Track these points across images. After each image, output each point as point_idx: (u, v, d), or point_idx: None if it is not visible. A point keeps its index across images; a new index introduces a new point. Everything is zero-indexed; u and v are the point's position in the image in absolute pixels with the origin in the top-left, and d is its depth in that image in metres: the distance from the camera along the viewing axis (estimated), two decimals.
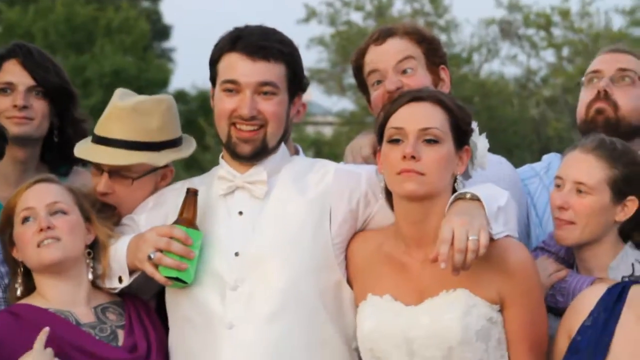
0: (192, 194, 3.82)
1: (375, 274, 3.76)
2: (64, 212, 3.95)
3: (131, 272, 3.89)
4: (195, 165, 22.15)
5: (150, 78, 31.71)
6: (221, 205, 3.89)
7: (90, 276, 4.02)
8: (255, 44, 3.79)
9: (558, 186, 3.97)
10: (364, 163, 4.16)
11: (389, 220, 3.80)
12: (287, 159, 3.98)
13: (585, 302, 3.77)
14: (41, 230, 3.89)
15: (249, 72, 3.78)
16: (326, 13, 31.78)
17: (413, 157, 3.56)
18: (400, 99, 3.73)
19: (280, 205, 3.86)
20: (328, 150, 27.18)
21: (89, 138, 4.19)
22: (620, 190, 3.95)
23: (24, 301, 4.00)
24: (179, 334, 3.89)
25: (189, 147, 4.16)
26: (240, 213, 3.86)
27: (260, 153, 3.84)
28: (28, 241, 3.92)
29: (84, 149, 4.13)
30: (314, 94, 31.55)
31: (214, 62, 3.89)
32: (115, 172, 4.04)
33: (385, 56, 4.24)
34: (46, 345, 3.70)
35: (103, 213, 4.10)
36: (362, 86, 4.40)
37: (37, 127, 4.54)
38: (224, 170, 3.88)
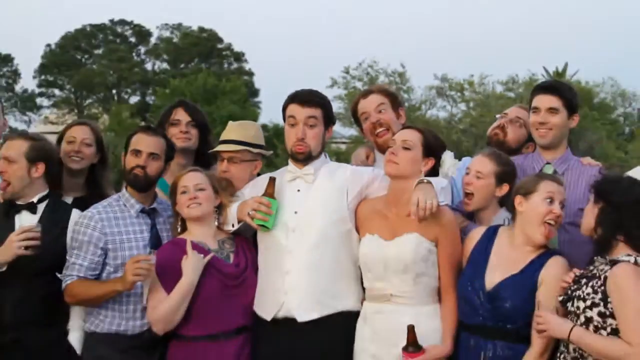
0: (272, 180, 4.79)
1: (370, 222, 4.85)
2: (203, 189, 5.06)
3: (239, 222, 4.97)
4: (272, 165, 21.25)
5: (246, 116, 30.78)
6: (288, 186, 5.00)
7: (216, 223, 5.08)
8: (305, 96, 4.93)
9: (467, 174, 5.04)
10: (361, 164, 5.42)
11: (377, 194, 4.92)
12: (325, 162, 5.05)
13: (475, 236, 4.78)
14: (190, 199, 5.00)
15: (301, 113, 4.90)
16: (342, 82, 42.26)
17: (393, 154, 4.72)
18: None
19: (320, 187, 4.98)
20: (344, 158, 28.87)
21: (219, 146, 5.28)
22: (500, 178, 5.04)
23: (180, 236, 5.05)
24: (262, 256, 5.04)
25: (268, 152, 5.30)
26: (299, 190, 4.98)
27: (308, 158, 4.95)
28: (184, 204, 5.02)
29: (216, 148, 5.36)
30: (335, 126, 37.46)
31: (283, 109, 5.01)
32: (230, 159, 5.29)
33: (369, 104, 5.48)
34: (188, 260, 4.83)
35: (225, 188, 5.12)
36: (357, 122, 5.61)
37: (193, 144, 5.94)
38: (290, 167, 5.02)
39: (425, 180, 4.76)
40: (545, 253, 4.71)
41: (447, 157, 5.09)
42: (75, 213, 5.37)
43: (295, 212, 5.04)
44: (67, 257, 5.24)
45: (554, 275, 4.55)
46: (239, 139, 5.48)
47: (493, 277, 4.67)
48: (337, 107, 36.69)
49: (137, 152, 5.26)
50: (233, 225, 5.15)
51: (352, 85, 42.16)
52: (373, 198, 5.08)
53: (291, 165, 5.17)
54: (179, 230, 5.19)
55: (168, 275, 4.96)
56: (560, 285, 4.48)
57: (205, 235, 5.16)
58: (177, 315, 4.94)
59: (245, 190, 5.30)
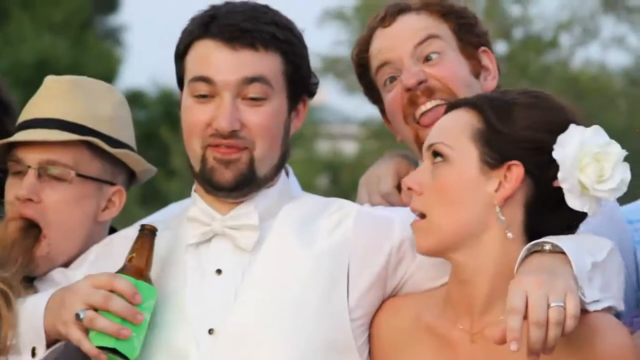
0: (147, 232, 3.28)
1: (410, 356, 3.31)
2: None
3: (50, 343, 3.27)
4: (155, 198, 20.75)
5: (89, 69, 23.13)
6: (191, 259, 3.29)
7: None
8: (238, 25, 3.20)
9: None
10: (383, 203, 3.63)
11: (432, 282, 3.33)
12: (288, 196, 3.41)
13: None
14: None
15: (228, 66, 3.21)
16: None
17: None
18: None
19: (276, 261, 3.29)
20: (349, 176, 22.70)
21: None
22: None
23: None
24: None
25: (145, 171, 3.63)
26: (219, 272, 3.27)
27: (245, 183, 3.25)
28: None
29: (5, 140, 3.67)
30: (329, 94, 27.93)
31: (181, 54, 3.32)
32: (44, 170, 3.50)
33: (398, 40, 3.66)
34: None
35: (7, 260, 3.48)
36: (371, 91, 3.78)
37: None
38: (198, 208, 3.31)
39: (547, 247, 3.06)
40: None
41: (587, 136, 3.05)
42: None
43: (210, 331, 3.29)
44: None
45: None
46: (72, 120, 3.61)
47: None
48: (331, 42, 26.27)
49: None
50: (34, 354, 3.33)
51: None
52: (416, 293, 3.39)
53: (201, 203, 3.37)
54: None
55: None
56: None
57: None
58: None
59: (77, 270, 3.50)
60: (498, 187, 2.93)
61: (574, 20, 27.75)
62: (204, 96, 3.17)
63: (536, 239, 2.92)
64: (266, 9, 3.27)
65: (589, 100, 23.93)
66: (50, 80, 3.65)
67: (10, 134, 3.57)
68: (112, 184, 3.51)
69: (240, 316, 3.19)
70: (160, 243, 3.25)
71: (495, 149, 2.92)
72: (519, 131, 2.88)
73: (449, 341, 3.14)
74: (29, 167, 3.39)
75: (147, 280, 3.19)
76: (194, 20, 3.22)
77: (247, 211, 3.22)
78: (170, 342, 3.22)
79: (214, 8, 3.26)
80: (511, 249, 2.95)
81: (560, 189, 2.89)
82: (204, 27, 3.19)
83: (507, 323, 2.81)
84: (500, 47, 26.09)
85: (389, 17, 3.63)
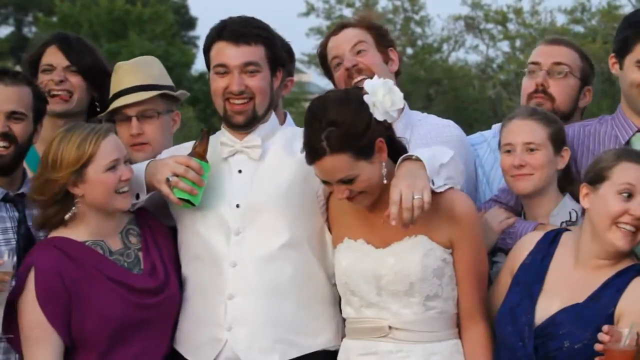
0: (205, 133, 4.06)
1: (348, 222, 4.03)
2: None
3: (148, 191, 4.11)
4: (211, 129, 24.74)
5: (175, 60, 33.11)
6: (224, 165, 4.13)
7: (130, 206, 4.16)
8: (237, 31, 4.06)
9: (508, 151, 4.21)
10: None
11: None
12: (278, 127, 4.24)
13: (525, 245, 4.04)
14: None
15: (234, 56, 4.03)
16: (323, 8, 35.43)
17: None
18: None
19: (273, 164, 4.11)
20: None
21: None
22: (557, 142, 4.23)
23: (61, 233, 4.09)
24: (191, 268, 4.17)
25: (185, 94, 4.62)
26: (240, 171, 4.11)
27: (252, 121, 4.09)
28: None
29: (113, 104, 4.47)
30: (312, 76, 33.97)
31: (206, 50, 4.15)
32: (141, 115, 4.45)
33: (342, 42, 4.60)
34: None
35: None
36: (327, 71, 4.74)
37: (77, 102, 4.87)
38: (226, 137, 4.12)
39: (413, 157, 3.79)
40: (629, 270, 3.83)
41: (378, 86, 3.80)
42: None
43: (237, 206, 4.00)
44: None
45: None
46: (143, 83, 4.41)
47: (548, 307, 3.83)
48: (313, 46, 30.79)
49: None
50: (138, 197, 4.06)
51: (337, 12, 35.40)
52: None
53: (226, 134, 4.11)
54: (69, 216, 4.09)
55: (49, 299, 3.95)
56: None
57: (106, 228, 4.08)
58: None
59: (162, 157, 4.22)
60: (378, 157, 3.77)
61: (450, 36, 36.13)
62: (221, 73, 4.02)
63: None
64: (252, 18, 4.15)
65: (457, 81, 33.14)
66: (122, 64, 4.57)
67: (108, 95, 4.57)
68: (172, 111, 4.52)
69: (253, 196, 4.05)
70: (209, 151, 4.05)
71: (362, 145, 3.73)
72: (354, 126, 3.68)
73: (369, 217, 3.98)
74: (131, 116, 4.38)
75: (205, 160, 3.99)
76: (212, 30, 4.10)
77: (254, 137, 4.08)
78: (216, 209, 4.09)
79: (223, 22, 4.12)
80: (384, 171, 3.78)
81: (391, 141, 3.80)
82: (218, 33, 4.05)
83: (390, 210, 3.67)
84: (409, 50, 34.66)
85: (337, 29, 4.65)
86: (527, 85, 4.76)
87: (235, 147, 4.10)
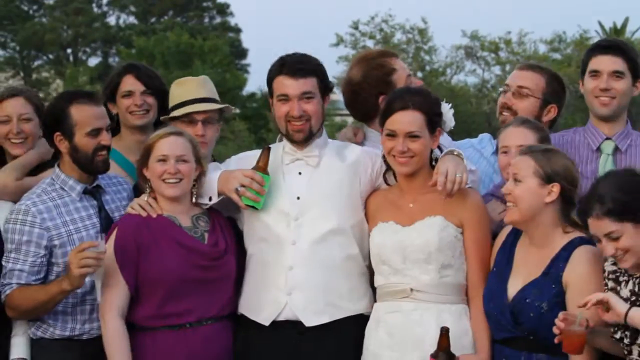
0: (266, 149, 4.49)
1: (381, 212, 4.61)
2: (186, 161, 4.64)
3: (219, 195, 4.63)
4: (263, 142, 23.89)
5: (230, 84, 36.97)
6: (286, 168, 4.69)
7: (194, 200, 4.69)
8: (295, 67, 4.53)
9: (505, 152, 4.59)
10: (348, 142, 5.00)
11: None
12: (327, 140, 4.71)
13: (502, 235, 4.45)
14: (170, 173, 4.57)
15: (294, 87, 4.52)
16: (349, 40, 38.87)
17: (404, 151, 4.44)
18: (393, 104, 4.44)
19: (327, 169, 4.64)
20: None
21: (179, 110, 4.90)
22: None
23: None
24: (256, 247, 4.70)
25: (232, 108, 5.12)
26: (300, 173, 4.66)
27: (309, 138, 4.60)
28: (159, 175, 4.60)
29: (183, 110, 4.93)
30: (339, 96, 37.25)
31: (269, 82, 4.63)
32: (206, 121, 4.91)
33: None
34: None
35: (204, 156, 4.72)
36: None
37: (152, 117, 5.34)
38: (288, 147, 4.66)
39: (455, 152, 4.42)
40: (573, 242, 4.17)
41: (445, 108, 4.55)
42: (3, 207, 4.74)
43: (298, 198, 4.59)
44: (3, 263, 4.63)
45: (580, 275, 4.08)
46: (208, 96, 4.96)
47: (516, 285, 4.22)
48: (341, 71, 32.99)
49: (96, 132, 4.64)
50: (210, 199, 4.65)
51: (362, 43, 38.20)
52: (385, 189, 4.69)
53: (288, 145, 4.69)
54: (146, 198, 4.59)
55: (122, 252, 4.43)
56: (588, 289, 3.93)
57: (174, 210, 4.61)
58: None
59: (225, 165, 4.87)
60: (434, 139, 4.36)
61: (453, 62, 38.90)
62: (284, 101, 4.51)
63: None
64: (307, 55, 4.60)
65: (457, 99, 31.39)
66: (188, 78, 4.96)
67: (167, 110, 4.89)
68: (220, 121, 4.97)
69: (310, 191, 4.57)
70: (271, 161, 4.50)
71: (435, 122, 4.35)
72: None
73: (400, 206, 4.46)
74: (199, 121, 4.74)
75: (267, 173, 4.43)
76: (274, 65, 4.56)
77: (311, 149, 4.57)
78: (281, 205, 4.58)
79: (282, 59, 4.58)
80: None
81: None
82: (279, 69, 4.49)
83: (438, 179, 4.19)
84: (419, 74, 35.72)
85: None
86: (500, 101, 5.24)
87: (296, 155, 4.66)
